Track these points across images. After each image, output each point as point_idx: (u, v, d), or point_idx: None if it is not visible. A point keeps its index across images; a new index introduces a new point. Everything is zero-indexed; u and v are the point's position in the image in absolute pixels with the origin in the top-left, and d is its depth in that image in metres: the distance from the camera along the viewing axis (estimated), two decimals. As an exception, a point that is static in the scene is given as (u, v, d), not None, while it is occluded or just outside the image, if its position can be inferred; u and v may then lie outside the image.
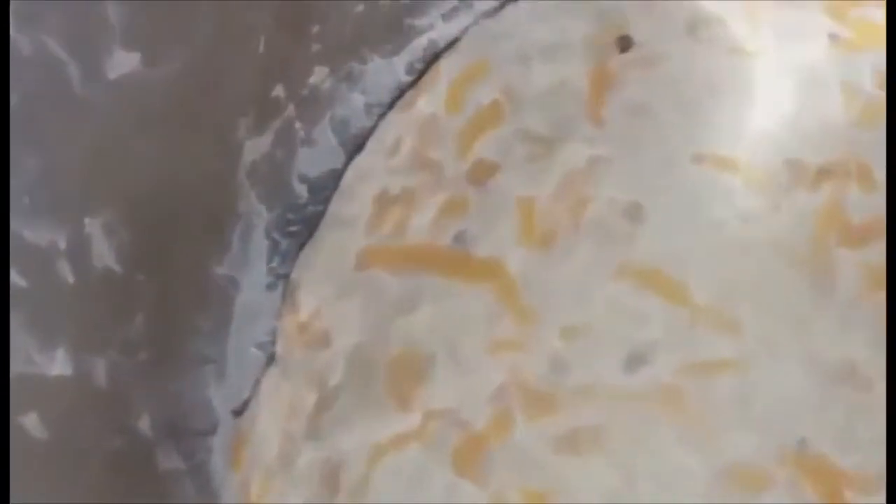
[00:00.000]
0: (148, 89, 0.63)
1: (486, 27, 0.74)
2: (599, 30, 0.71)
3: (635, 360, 0.65)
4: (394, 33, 0.79)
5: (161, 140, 0.66)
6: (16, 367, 0.57)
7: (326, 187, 0.77)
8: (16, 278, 0.57)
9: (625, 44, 0.71)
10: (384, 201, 0.71)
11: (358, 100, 0.79)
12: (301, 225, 0.77)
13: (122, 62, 0.61)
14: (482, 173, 0.70)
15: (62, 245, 0.60)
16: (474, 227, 0.69)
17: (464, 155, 0.70)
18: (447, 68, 0.73)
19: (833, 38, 0.70)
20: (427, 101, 0.72)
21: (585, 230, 0.67)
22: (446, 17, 0.79)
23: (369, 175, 0.72)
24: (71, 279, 0.61)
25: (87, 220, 0.62)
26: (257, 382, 0.73)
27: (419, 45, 0.80)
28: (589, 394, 0.65)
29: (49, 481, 0.61)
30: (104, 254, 0.63)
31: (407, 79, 0.79)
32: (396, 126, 0.73)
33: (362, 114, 0.79)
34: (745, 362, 0.64)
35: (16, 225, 0.56)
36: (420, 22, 0.79)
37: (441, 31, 0.79)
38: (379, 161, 0.72)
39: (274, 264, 0.77)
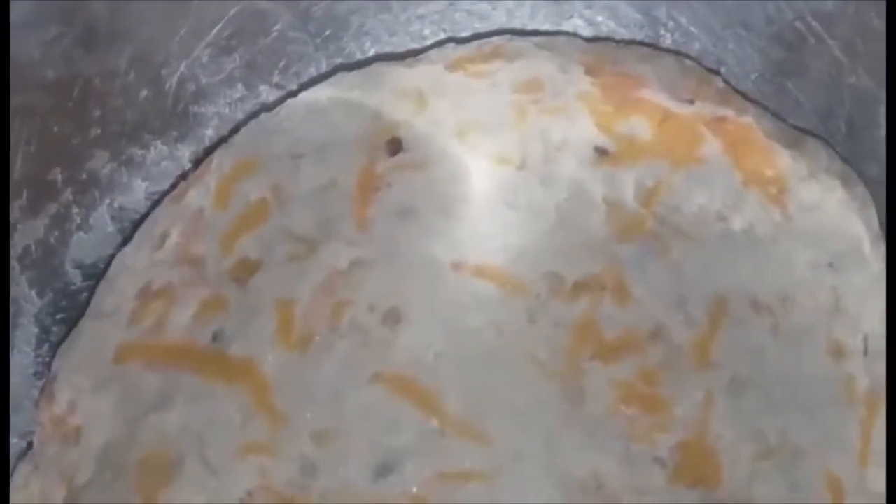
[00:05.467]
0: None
1: (262, 122, 0.73)
2: (371, 131, 0.71)
3: (385, 468, 0.65)
4: (179, 120, 0.77)
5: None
6: None
7: (102, 274, 0.75)
8: None
9: (394, 147, 0.70)
10: (146, 295, 0.70)
11: (139, 186, 0.77)
12: (74, 312, 0.75)
13: None
14: (244, 272, 0.69)
15: None
16: (232, 325, 0.68)
17: (227, 252, 0.69)
18: (219, 162, 0.72)
19: (599, 151, 0.70)
20: (196, 195, 0.71)
21: (343, 334, 0.66)
22: (232, 106, 0.78)
23: (134, 267, 0.71)
24: None
25: None
26: (9, 476, 0.70)
27: (205, 133, 0.78)
28: (336, 500, 0.64)
29: None
30: None
31: (191, 167, 0.78)
32: (166, 218, 0.72)
33: (143, 201, 0.77)
34: (492, 474, 0.64)
35: None
36: (206, 110, 0.78)
37: (226, 120, 0.78)
38: (144, 254, 0.71)
39: (42, 351, 0.74)
